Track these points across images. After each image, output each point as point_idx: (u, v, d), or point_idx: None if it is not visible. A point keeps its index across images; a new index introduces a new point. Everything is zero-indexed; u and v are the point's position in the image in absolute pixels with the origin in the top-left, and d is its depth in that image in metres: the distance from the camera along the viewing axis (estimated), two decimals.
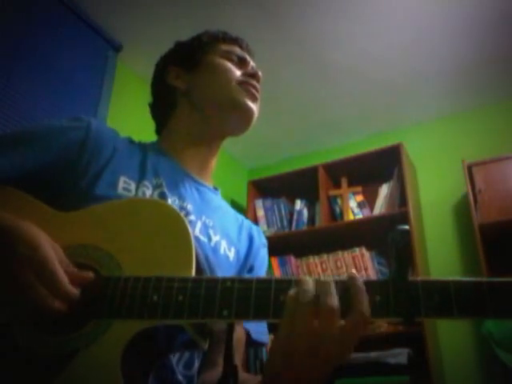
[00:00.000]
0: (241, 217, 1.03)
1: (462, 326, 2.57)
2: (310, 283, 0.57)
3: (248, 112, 0.94)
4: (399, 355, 2.28)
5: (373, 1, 2.31)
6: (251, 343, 0.89)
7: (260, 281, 0.60)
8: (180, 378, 0.76)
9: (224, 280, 0.61)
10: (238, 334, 0.86)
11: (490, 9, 2.34)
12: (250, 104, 0.94)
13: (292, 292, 0.57)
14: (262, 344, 0.90)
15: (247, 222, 1.03)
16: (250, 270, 0.95)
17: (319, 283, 0.57)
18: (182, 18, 2.31)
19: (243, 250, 0.95)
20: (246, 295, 0.59)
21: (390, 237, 0.54)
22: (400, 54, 2.65)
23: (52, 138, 0.81)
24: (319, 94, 2.95)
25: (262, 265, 0.99)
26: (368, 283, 0.58)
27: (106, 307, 0.62)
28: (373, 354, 2.28)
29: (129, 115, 2.50)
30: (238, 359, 0.84)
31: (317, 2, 2.32)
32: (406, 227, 0.53)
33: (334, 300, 0.55)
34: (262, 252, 1.00)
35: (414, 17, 2.40)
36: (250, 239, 0.98)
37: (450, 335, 2.56)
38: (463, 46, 2.58)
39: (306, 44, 2.57)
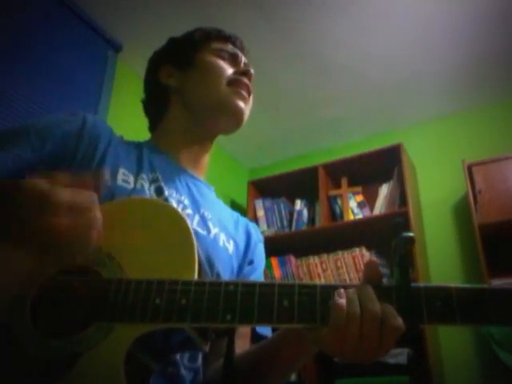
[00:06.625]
0: (236, 214, 1.05)
1: None
2: (353, 292, 0.58)
3: (238, 113, 0.95)
4: (399, 355, 2.28)
5: (373, 1, 2.31)
6: (255, 337, 0.90)
7: (263, 285, 0.60)
8: (184, 372, 0.76)
9: (227, 283, 0.60)
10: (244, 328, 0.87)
11: (490, 9, 2.33)
12: (240, 105, 0.95)
13: (339, 301, 0.57)
14: (264, 337, 0.90)
15: (243, 219, 1.05)
16: (250, 263, 0.96)
17: (361, 291, 0.58)
18: (182, 19, 2.31)
19: (242, 244, 0.97)
20: (250, 299, 0.59)
21: (394, 243, 0.54)
22: (400, 54, 2.65)
23: (49, 130, 0.82)
24: (319, 94, 2.95)
25: (261, 259, 1.01)
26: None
27: (108, 310, 0.62)
28: None
29: (129, 115, 2.49)
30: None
31: (317, 2, 2.31)
32: (411, 234, 0.53)
33: (377, 305, 0.57)
34: (260, 247, 1.02)
35: (413, 17, 2.40)
36: (248, 234, 1.00)
37: (450, 335, 2.56)
38: (463, 45, 2.58)
39: (305, 44, 2.56)
